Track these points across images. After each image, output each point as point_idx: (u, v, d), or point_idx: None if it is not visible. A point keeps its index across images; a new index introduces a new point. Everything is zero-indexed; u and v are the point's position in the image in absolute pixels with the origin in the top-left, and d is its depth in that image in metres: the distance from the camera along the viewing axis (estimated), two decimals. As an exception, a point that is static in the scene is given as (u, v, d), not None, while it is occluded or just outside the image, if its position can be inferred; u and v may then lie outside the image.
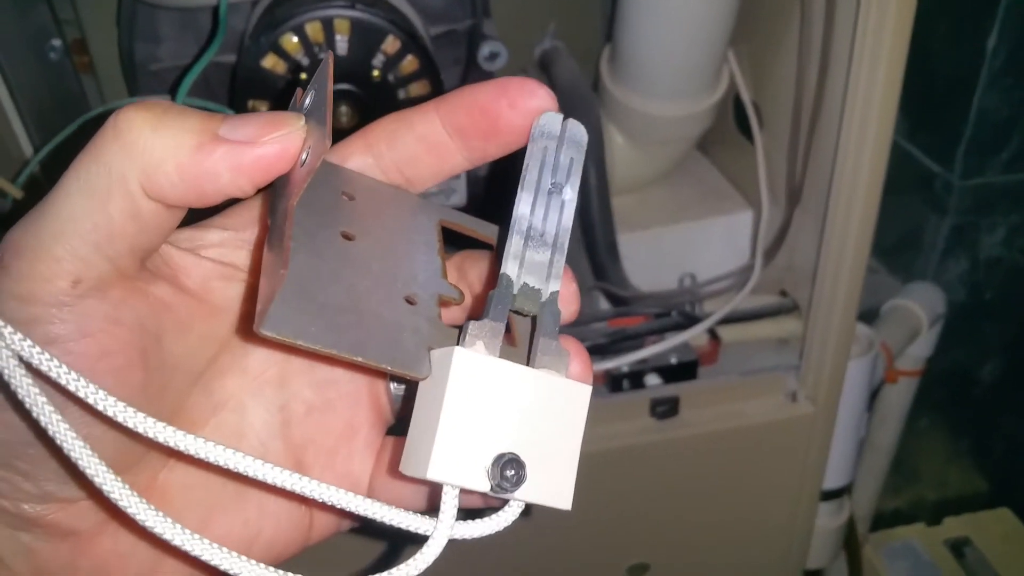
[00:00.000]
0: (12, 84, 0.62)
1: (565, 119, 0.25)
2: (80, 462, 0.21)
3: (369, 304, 0.24)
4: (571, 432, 0.24)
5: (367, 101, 0.54)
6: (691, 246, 0.72)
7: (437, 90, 0.55)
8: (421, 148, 0.26)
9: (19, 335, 0.21)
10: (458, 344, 0.23)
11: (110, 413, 0.21)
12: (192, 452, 0.22)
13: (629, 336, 0.66)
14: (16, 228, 0.21)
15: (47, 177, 0.64)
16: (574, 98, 0.67)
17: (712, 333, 0.67)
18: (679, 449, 0.65)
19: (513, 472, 0.23)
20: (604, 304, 0.71)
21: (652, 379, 0.66)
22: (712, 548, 0.73)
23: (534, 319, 0.25)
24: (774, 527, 0.72)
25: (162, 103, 0.22)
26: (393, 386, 0.29)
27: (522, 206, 0.25)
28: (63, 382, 0.21)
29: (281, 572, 0.22)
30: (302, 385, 0.27)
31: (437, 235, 0.27)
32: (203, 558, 0.22)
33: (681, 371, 0.66)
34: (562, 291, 0.25)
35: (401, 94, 0.55)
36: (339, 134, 0.49)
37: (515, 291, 0.24)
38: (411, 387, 0.25)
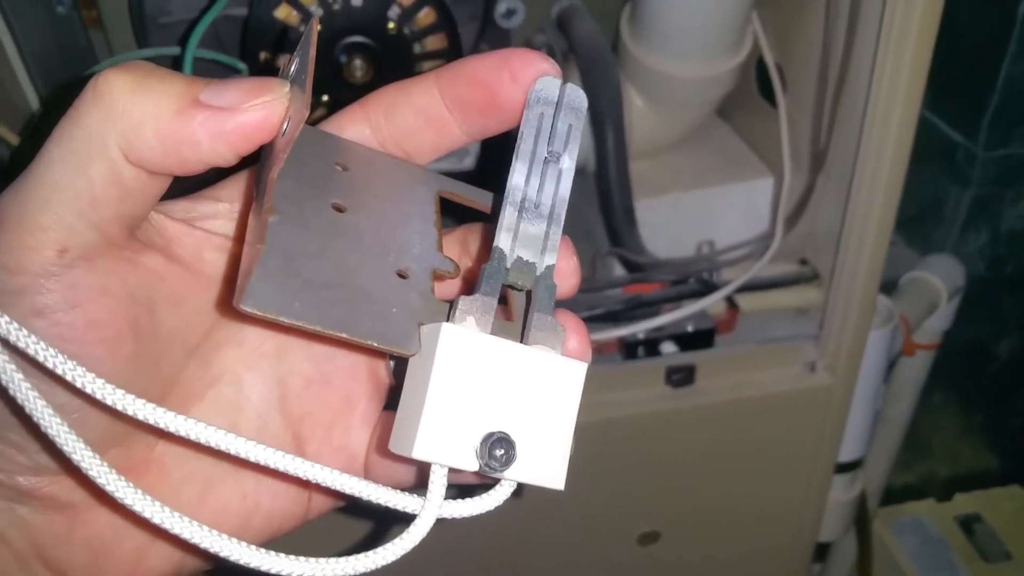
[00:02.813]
0: (19, 38, 0.61)
1: (564, 84, 0.24)
2: (58, 439, 0.21)
3: (357, 278, 0.23)
4: (565, 410, 0.24)
5: (382, 55, 0.53)
6: (710, 213, 0.71)
7: (454, 44, 0.54)
8: (419, 121, 0.25)
9: None
10: (448, 319, 0.23)
11: (88, 390, 0.21)
12: (174, 430, 0.21)
13: (645, 303, 0.65)
14: (2, 198, 0.21)
15: (40, 122, 0.62)
16: (593, 58, 0.65)
17: (730, 301, 0.66)
18: (694, 418, 0.65)
19: (502, 451, 0.22)
20: (619, 270, 0.70)
21: (668, 347, 0.65)
22: (724, 518, 0.72)
23: (530, 294, 0.24)
24: (788, 498, 0.71)
25: (145, 64, 0.21)
26: (392, 360, 0.28)
27: (516, 176, 0.24)
28: (41, 359, 0.20)
29: (258, 549, 0.21)
30: (300, 358, 0.27)
31: (435, 207, 0.26)
32: (181, 535, 0.21)
33: (698, 339, 0.65)
34: (561, 265, 0.25)
35: (417, 48, 0.54)
36: (354, 89, 0.48)
37: (508, 265, 0.24)
38: (404, 362, 0.24)
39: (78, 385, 0.21)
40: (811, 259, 0.68)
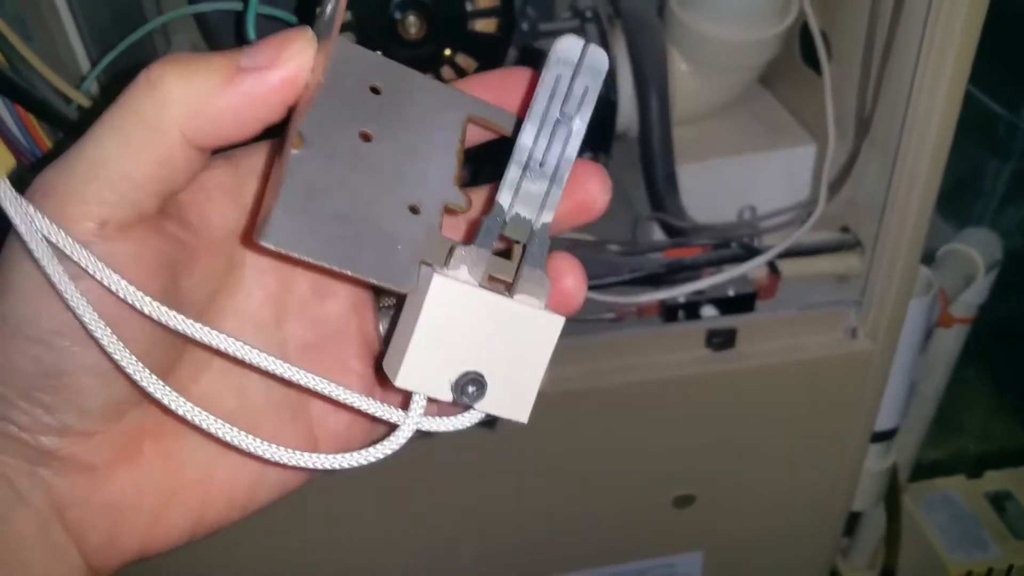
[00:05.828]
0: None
1: (586, 44, 0.25)
2: (128, 367, 0.23)
3: (370, 212, 0.25)
4: (538, 357, 0.27)
5: (435, 11, 0.53)
6: (751, 179, 0.71)
7: (506, 2, 0.54)
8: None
9: (53, 224, 0.22)
10: (444, 264, 0.25)
11: (147, 311, 0.23)
12: (222, 348, 0.24)
13: (686, 267, 0.65)
14: (47, 170, 0.22)
15: (103, 92, 0.63)
16: (638, 22, 0.65)
17: (772, 266, 0.66)
18: (734, 381, 0.65)
19: (474, 389, 0.26)
20: (660, 235, 0.70)
21: (708, 311, 0.65)
22: (760, 483, 0.72)
23: (525, 247, 0.26)
24: (824, 465, 0.72)
25: (183, 55, 0.23)
26: (382, 326, 0.31)
27: (524, 136, 0.26)
28: (113, 288, 0.22)
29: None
30: (297, 325, 0.29)
31: (461, 133, 0.27)
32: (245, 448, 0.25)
33: (738, 303, 0.65)
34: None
35: (469, 5, 0.54)
36: (407, 45, 0.49)
37: (507, 219, 0.26)
38: (401, 300, 0.27)
39: (145, 312, 0.23)
40: (853, 227, 0.68)
